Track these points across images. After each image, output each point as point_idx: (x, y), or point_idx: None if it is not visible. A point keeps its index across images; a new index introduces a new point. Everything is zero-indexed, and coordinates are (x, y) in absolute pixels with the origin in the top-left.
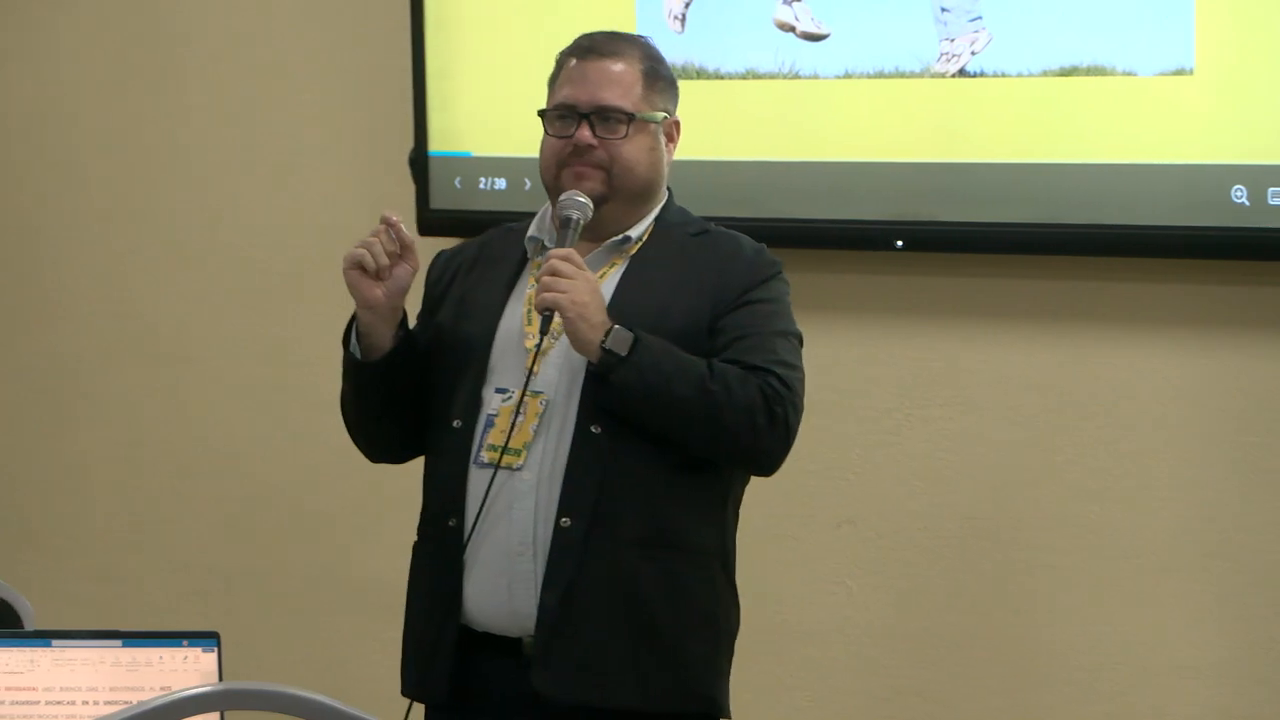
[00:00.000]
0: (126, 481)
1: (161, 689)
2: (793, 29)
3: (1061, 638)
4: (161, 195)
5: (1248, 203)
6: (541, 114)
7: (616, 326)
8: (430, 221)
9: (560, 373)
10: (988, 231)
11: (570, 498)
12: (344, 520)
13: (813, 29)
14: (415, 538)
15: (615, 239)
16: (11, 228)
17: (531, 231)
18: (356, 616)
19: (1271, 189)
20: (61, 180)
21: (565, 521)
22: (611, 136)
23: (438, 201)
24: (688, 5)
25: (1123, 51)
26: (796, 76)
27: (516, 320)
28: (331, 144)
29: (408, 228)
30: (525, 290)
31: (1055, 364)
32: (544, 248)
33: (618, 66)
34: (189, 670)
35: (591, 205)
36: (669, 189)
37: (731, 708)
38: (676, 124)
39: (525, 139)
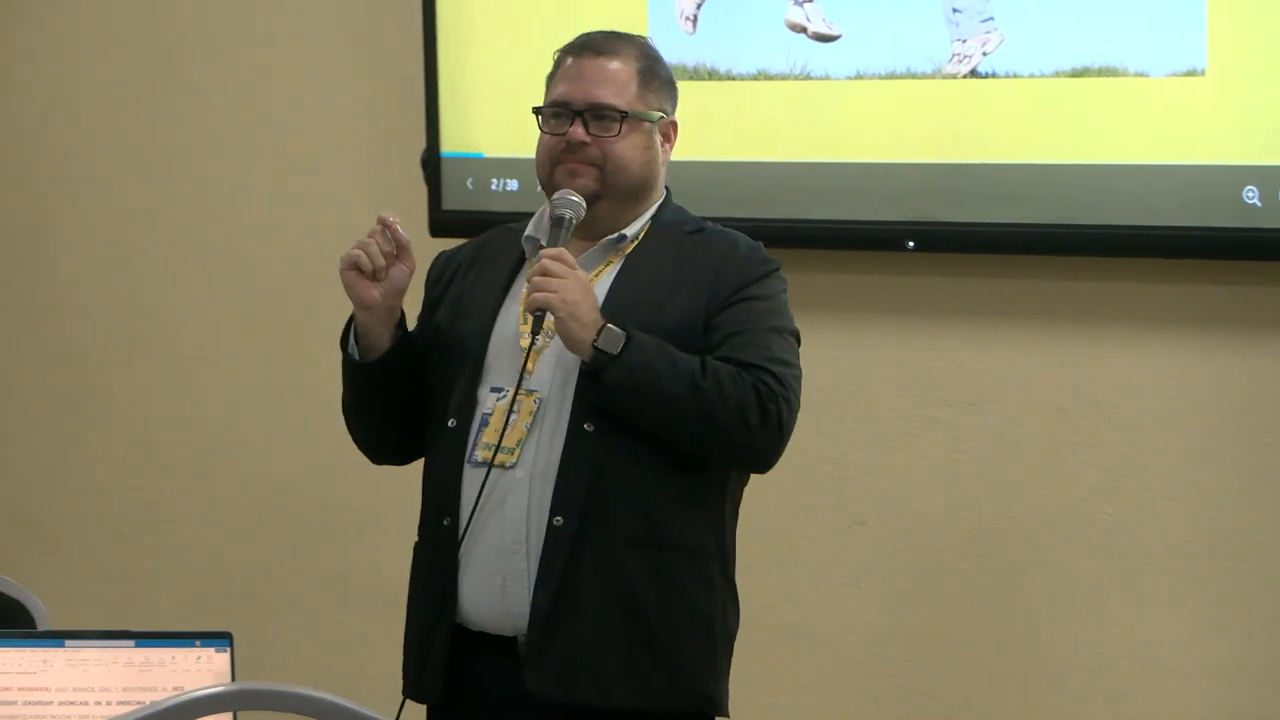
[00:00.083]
0: (139, 482)
1: (174, 689)
2: (804, 30)
3: (1074, 638)
4: (175, 196)
5: (1259, 203)
6: (536, 111)
7: (609, 325)
8: (442, 222)
9: (554, 372)
10: (999, 232)
11: (562, 496)
12: (359, 520)
13: (824, 30)
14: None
15: (610, 238)
16: (27, 228)
17: (529, 231)
18: (371, 617)
19: None
20: (76, 181)
21: (558, 520)
22: (604, 134)
23: (450, 202)
24: (699, 6)
25: (1134, 52)
26: (808, 77)
27: (512, 320)
28: (344, 145)
29: (420, 229)
30: (521, 290)
31: (1068, 365)
32: (540, 247)
33: (613, 65)
34: (202, 670)
35: (584, 204)
36: (668, 188)
37: (743, 708)
38: (674, 124)
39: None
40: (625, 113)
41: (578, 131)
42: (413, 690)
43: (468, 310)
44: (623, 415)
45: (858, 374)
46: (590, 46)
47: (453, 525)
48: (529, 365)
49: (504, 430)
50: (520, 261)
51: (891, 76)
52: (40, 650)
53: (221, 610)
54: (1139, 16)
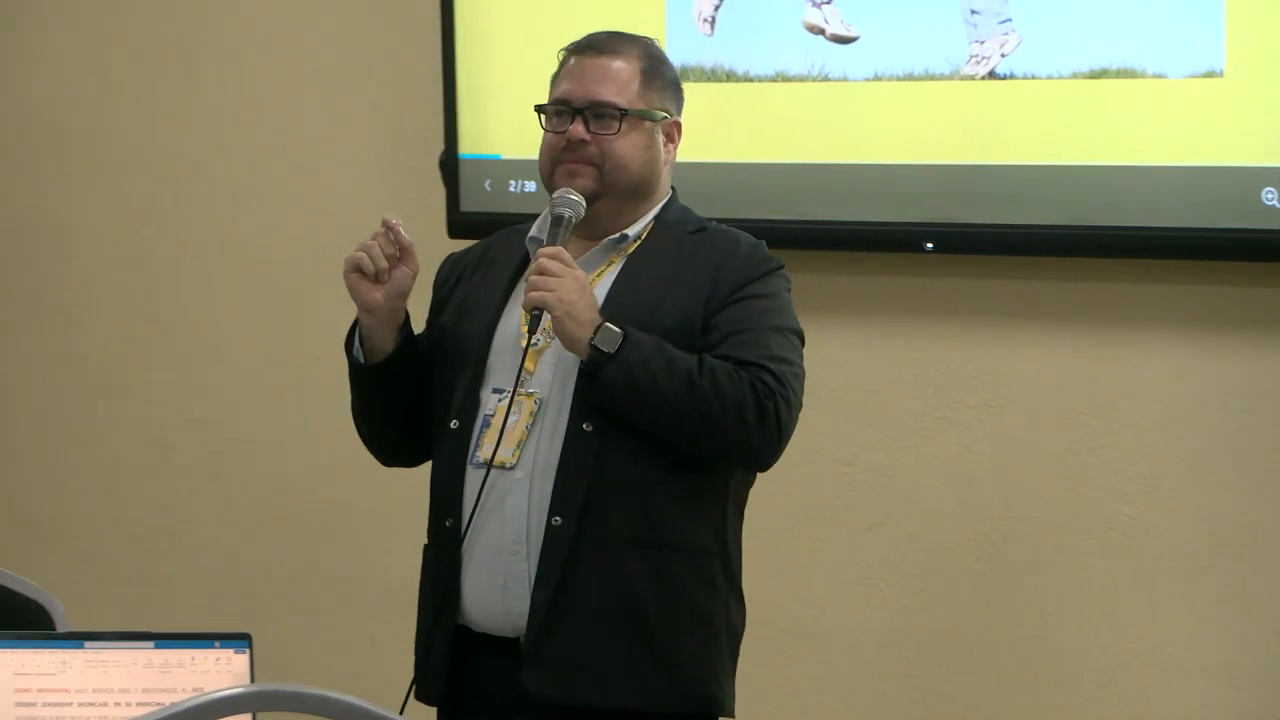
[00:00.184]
0: (156, 482)
1: (193, 690)
2: (822, 31)
3: (1087, 639)
4: (190, 197)
5: (1279, 204)
6: (539, 109)
7: (606, 324)
8: (460, 224)
9: (555, 372)
10: (1017, 233)
11: (561, 496)
12: (373, 521)
13: (842, 31)
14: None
15: (612, 238)
16: (41, 230)
17: (533, 232)
18: (385, 618)
19: None
20: (89, 182)
21: (556, 520)
22: (604, 132)
23: (468, 204)
24: (717, 8)
25: (1153, 53)
26: (826, 79)
27: (514, 321)
28: (362, 146)
29: (438, 230)
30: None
31: (1083, 366)
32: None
33: (615, 64)
34: (221, 671)
35: (584, 203)
36: (674, 188)
37: (757, 710)
38: (677, 125)
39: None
40: (625, 111)
41: (578, 129)
42: (419, 691)
43: (471, 311)
44: (620, 414)
45: (873, 375)
46: (593, 45)
47: (455, 526)
48: (530, 365)
49: (502, 431)
50: (524, 262)
51: (910, 78)
52: (60, 652)
53: (235, 611)
54: (1157, 18)
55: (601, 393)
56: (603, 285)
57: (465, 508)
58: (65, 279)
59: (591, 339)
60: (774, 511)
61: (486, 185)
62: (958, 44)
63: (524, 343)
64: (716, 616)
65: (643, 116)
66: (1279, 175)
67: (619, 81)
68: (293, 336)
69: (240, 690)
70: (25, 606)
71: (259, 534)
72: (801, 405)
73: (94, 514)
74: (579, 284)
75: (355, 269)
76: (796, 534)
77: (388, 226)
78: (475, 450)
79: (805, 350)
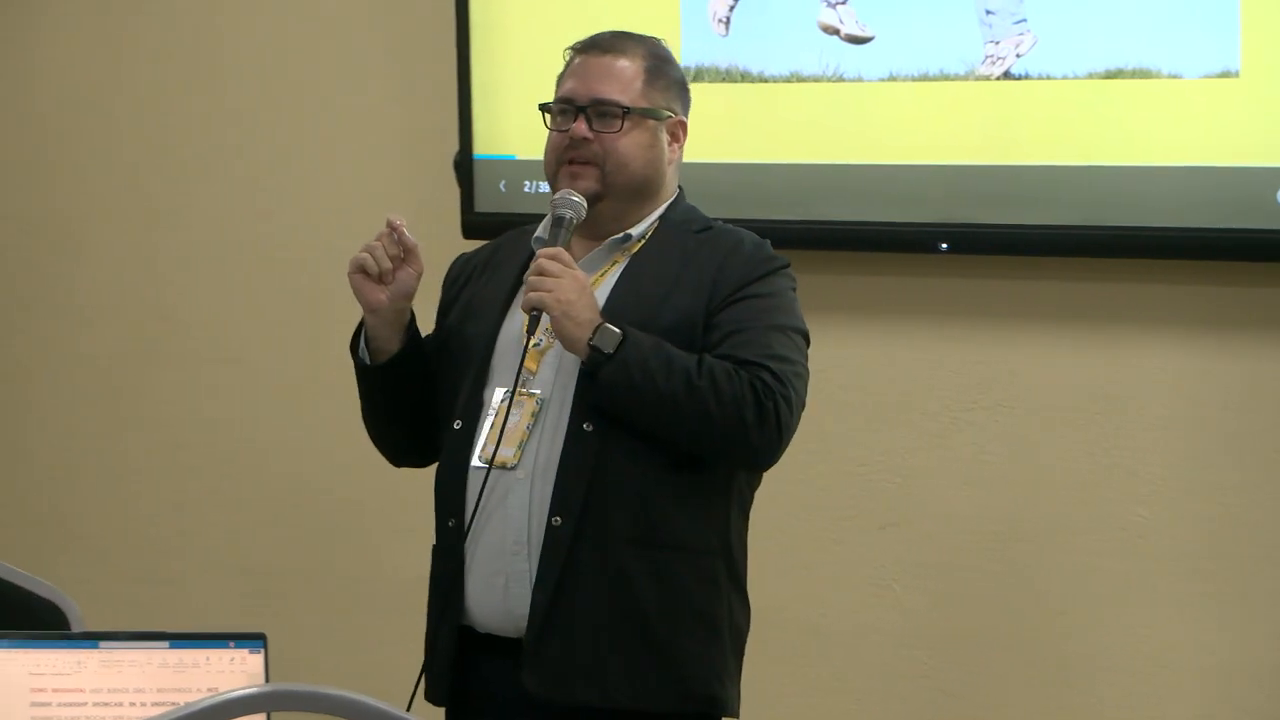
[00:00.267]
0: (171, 483)
1: (209, 690)
2: (837, 32)
3: (1100, 640)
4: (204, 198)
5: None
6: (543, 108)
7: (605, 324)
8: (475, 224)
9: (556, 372)
10: (1032, 234)
11: (561, 496)
12: (386, 520)
13: (857, 32)
14: None
15: (615, 238)
16: (55, 231)
17: (538, 233)
18: (397, 617)
19: None
20: (101, 183)
21: (556, 520)
22: (606, 130)
23: (482, 204)
24: (732, 8)
25: (1168, 54)
26: (841, 79)
27: (518, 322)
28: (377, 147)
29: (453, 231)
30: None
31: (1099, 367)
32: None
33: (619, 62)
34: (236, 671)
35: (585, 204)
36: (681, 188)
37: (770, 709)
38: (683, 125)
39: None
40: (628, 109)
41: (580, 127)
42: (426, 691)
43: (476, 312)
44: (620, 414)
45: (889, 376)
46: (598, 45)
47: (458, 526)
48: (531, 366)
49: (502, 431)
50: (529, 263)
51: (924, 78)
52: (75, 652)
53: (248, 611)
54: (1172, 18)
55: (600, 393)
56: (606, 285)
57: (468, 508)
58: (79, 280)
59: (590, 339)
60: (787, 512)
61: (501, 186)
62: (973, 44)
63: (524, 343)
64: (718, 616)
65: (646, 115)
66: None
67: (622, 80)
68: (305, 337)
69: (255, 690)
70: (40, 606)
71: (273, 534)
72: (804, 405)
73: (108, 514)
74: (578, 284)
75: (359, 269)
76: (809, 534)
77: (391, 227)
78: (477, 451)
79: (818, 350)
